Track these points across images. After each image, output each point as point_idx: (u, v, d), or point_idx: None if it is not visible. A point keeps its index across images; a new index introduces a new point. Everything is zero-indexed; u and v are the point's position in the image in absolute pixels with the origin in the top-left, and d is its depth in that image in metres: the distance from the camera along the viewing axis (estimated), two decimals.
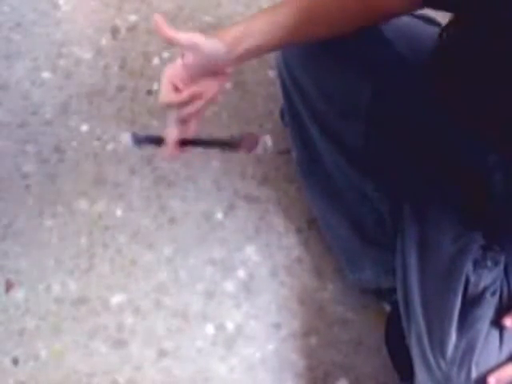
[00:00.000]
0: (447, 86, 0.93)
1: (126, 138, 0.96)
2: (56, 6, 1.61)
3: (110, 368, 1.16)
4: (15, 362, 1.17)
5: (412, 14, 1.10)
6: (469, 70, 0.88)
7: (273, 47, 0.96)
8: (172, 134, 0.94)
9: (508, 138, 0.86)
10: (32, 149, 1.40)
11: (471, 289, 0.89)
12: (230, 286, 1.24)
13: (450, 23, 0.95)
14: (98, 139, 1.41)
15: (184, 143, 0.94)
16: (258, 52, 0.93)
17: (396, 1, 0.92)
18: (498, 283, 0.89)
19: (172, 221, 1.30)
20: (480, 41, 0.83)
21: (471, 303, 0.88)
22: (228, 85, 1.46)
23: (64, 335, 1.19)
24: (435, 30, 0.98)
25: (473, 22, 0.84)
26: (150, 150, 1.38)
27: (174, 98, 0.91)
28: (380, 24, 0.99)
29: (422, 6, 0.91)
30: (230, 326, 1.20)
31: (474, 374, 0.85)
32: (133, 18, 1.59)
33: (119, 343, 1.18)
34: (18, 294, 1.23)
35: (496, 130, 0.87)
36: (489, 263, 0.91)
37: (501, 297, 0.89)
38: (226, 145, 1.01)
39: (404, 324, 0.96)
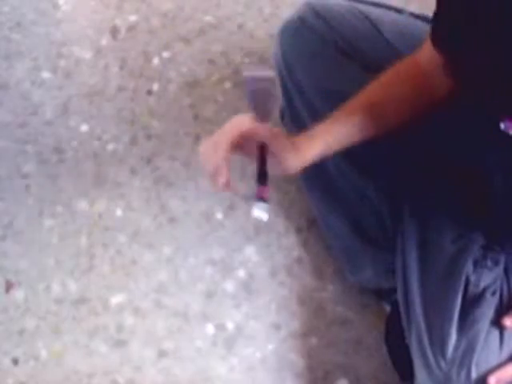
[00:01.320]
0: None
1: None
2: (56, 6, 1.61)
3: (110, 368, 1.16)
4: (15, 362, 1.17)
5: (412, 14, 1.10)
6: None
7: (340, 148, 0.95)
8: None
9: None
10: (32, 149, 1.40)
11: (471, 289, 0.89)
12: (230, 286, 1.24)
13: None
14: (98, 139, 1.41)
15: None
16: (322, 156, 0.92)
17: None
18: (498, 283, 0.89)
19: (172, 221, 1.30)
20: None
21: (471, 303, 0.88)
22: (228, 85, 1.46)
23: (64, 335, 1.19)
24: None
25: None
26: (150, 149, 1.39)
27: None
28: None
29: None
30: (230, 326, 1.20)
31: (474, 374, 0.85)
32: (133, 17, 1.59)
33: (119, 343, 1.18)
34: (18, 294, 1.23)
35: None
36: (489, 263, 0.91)
37: (501, 297, 0.89)
38: None
39: (404, 324, 0.96)
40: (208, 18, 1.58)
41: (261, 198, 0.86)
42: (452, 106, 0.93)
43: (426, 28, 0.91)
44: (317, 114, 1.09)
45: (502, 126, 0.83)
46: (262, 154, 0.88)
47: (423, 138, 1.00)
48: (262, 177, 0.88)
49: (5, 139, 1.41)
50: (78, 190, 1.34)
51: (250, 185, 1.33)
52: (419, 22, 1.06)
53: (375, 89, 0.93)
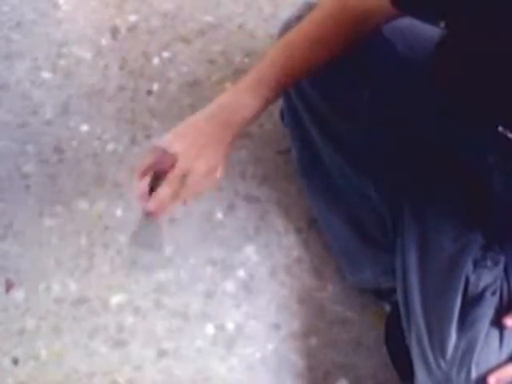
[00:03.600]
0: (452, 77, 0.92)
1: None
2: (56, 6, 1.61)
3: (110, 368, 1.16)
4: (15, 361, 1.17)
5: None
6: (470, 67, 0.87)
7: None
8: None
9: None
10: (32, 149, 1.40)
11: (471, 289, 0.89)
12: (230, 285, 1.24)
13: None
14: (98, 139, 1.41)
15: None
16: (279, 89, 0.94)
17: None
18: (498, 283, 0.89)
19: (172, 221, 1.30)
20: (470, 44, 0.83)
21: (471, 303, 0.88)
22: (228, 85, 1.46)
23: (64, 335, 1.19)
24: (435, 30, 0.98)
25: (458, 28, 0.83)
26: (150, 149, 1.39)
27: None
28: (368, 33, 0.98)
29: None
30: (230, 326, 1.20)
31: (474, 374, 0.85)
32: (133, 17, 1.59)
33: (119, 343, 1.18)
34: (18, 294, 1.23)
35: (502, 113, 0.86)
36: (489, 263, 0.91)
37: (501, 296, 0.89)
38: None
39: (404, 324, 0.96)
40: (208, 18, 1.58)
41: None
42: (451, 107, 0.93)
43: (427, 28, 0.91)
44: (317, 114, 1.10)
45: (500, 128, 0.83)
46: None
47: (423, 138, 1.00)
48: None
49: (5, 139, 1.41)
50: (78, 190, 1.34)
51: (250, 185, 1.34)
52: (419, 22, 1.06)
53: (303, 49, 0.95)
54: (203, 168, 0.88)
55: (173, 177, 0.87)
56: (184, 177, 0.87)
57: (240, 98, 0.91)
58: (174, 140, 0.90)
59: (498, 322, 0.86)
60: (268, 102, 0.92)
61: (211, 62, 1.51)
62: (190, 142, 0.89)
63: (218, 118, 0.90)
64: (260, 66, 0.93)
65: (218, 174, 0.91)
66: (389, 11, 0.89)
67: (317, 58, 0.95)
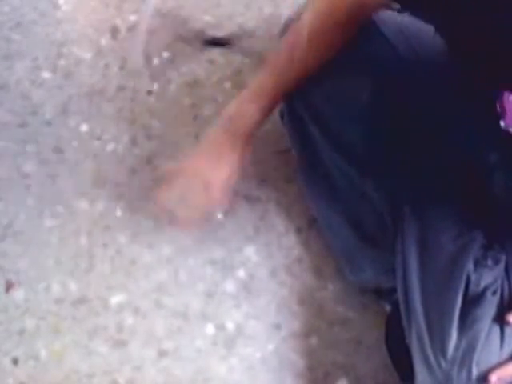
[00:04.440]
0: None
1: None
2: (56, 6, 1.61)
3: (110, 368, 1.16)
4: (15, 362, 1.17)
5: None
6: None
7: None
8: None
9: None
10: (32, 149, 1.39)
11: (472, 288, 0.89)
12: (230, 285, 1.24)
13: None
14: (98, 139, 1.41)
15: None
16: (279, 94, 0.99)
17: None
18: (499, 282, 0.90)
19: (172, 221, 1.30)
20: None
21: (472, 302, 0.88)
22: (228, 85, 1.46)
23: (64, 335, 1.19)
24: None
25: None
26: (150, 149, 1.39)
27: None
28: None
29: None
30: (230, 326, 1.20)
31: (475, 373, 0.85)
32: (133, 18, 1.58)
33: (119, 343, 1.18)
34: (18, 293, 1.23)
35: None
36: (489, 262, 0.91)
37: (502, 296, 0.89)
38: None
39: (404, 324, 0.96)
40: (208, 18, 1.57)
41: None
42: (452, 106, 0.93)
43: (426, 28, 0.91)
44: (317, 114, 1.10)
45: (502, 123, 0.83)
46: None
47: (423, 137, 1.00)
48: None
49: (5, 139, 1.41)
50: (78, 189, 1.34)
51: (250, 185, 1.34)
52: (420, 22, 1.06)
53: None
54: (223, 177, 0.93)
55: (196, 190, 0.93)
56: (206, 189, 0.92)
57: (244, 111, 0.98)
58: (189, 159, 0.95)
59: (499, 321, 0.86)
60: (271, 110, 0.98)
61: (211, 62, 1.50)
62: (206, 157, 0.94)
63: (228, 130, 0.96)
64: (260, 76, 0.97)
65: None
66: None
67: (315, 57, 0.96)
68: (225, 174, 0.97)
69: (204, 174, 0.97)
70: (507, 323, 0.86)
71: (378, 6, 0.96)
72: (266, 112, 0.98)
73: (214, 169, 0.97)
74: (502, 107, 0.86)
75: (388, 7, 0.96)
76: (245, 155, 1.00)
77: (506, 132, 0.84)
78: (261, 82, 0.99)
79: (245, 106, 0.99)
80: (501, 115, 0.85)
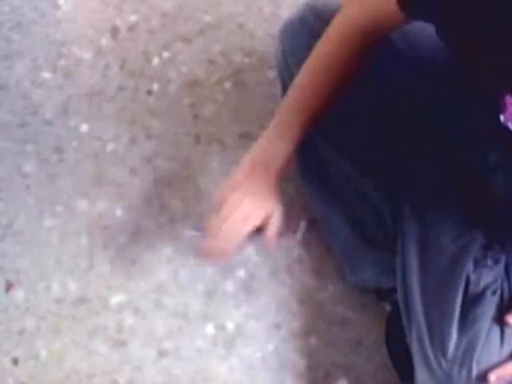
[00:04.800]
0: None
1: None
2: (56, 6, 1.61)
3: (110, 368, 1.16)
4: (15, 362, 1.17)
5: None
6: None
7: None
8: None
9: None
10: (32, 149, 1.40)
11: (472, 288, 0.89)
12: (230, 285, 1.24)
13: None
14: (98, 139, 1.41)
15: None
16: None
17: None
18: (499, 282, 0.90)
19: (172, 221, 1.30)
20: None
21: (472, 302, 0.88)
22: (228, 85, 1.46)
23: (64, 335, 1.19)
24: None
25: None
26: (150, 149, 1.39)
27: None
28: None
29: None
30: (230, 325, 1.20)
31: (475, 373, 0.85)
32: (133, 17, 1.59)
33: (119, 343, 1.18)
34: (18, 293, 1.23)
35: None
36: (489, 262, 0.91)
37: (501, 296, 0.89)
38: None
39: (404, 323, 0.96)
40: (208, 18, 1.57)
41: None
42: (452, 105, 0.93)
43: (427, 29, 0.91)
44: None
45: (502, 118, 0.83)
46: None
47: (423, 137, 1.00)
48: None
49: (5, 139, 1.41)
50: (78, 189, 1.34)
51: None
52: (420, 23, 1.06)
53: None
54: (262, 216, 0.99)
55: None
56: (245, 221, 0.97)
57: (274, 146, 0.98)
58: (227, 192, 0.96)
59: (499, 321, 0.86)
60: (299, 140, 0.99)
61: (211, 62, 1.50)
62: (243, 192, 0.97)
63: (261, 164, 0.97)
64: (286, 110, 0.99)
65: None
66: (394, 19, 0.90)
67: (336, 86, 0.97)
68: (264, 214, 0.99)
69: (244, 209, 0.97)
70: (506, 324, 0.86)
71: (390, 26, 0.95)
72: (295, 144, 0.98)
73: (254, 206, 0.98)
74: (504, 101, 0.85)
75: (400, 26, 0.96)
76: (277, 195, 1.01)
77: (506, 128, 0.83)
78: (288, 116, 0.99)
79: (273, 141, 0.99)
80: (501, 109, 0.85)
